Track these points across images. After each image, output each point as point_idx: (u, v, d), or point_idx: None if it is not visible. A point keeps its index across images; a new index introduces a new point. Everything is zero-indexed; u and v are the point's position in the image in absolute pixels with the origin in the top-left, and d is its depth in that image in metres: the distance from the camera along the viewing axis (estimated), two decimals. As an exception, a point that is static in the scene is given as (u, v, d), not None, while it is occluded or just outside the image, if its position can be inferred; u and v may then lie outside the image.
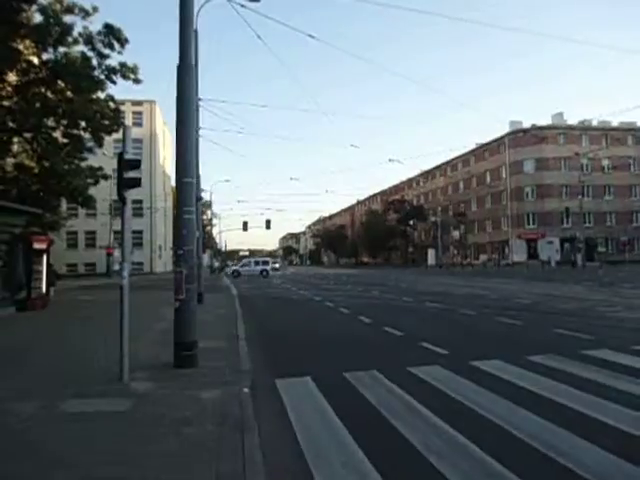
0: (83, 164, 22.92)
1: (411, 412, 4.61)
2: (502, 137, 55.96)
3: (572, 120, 55.86)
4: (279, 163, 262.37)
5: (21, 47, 18.69)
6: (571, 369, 6.01)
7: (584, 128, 55.00)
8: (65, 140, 21.44)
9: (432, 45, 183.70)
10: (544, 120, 55.88)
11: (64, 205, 31.66)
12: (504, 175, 56.05)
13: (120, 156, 5.74)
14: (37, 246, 14.36)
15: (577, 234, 47.89)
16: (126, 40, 19.68)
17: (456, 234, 62.40)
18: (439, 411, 4.53)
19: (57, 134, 21.23)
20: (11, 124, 19.45)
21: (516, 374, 5.85)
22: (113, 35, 19.35)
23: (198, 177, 16.44)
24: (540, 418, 4.28)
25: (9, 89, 19.31)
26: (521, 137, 52.64)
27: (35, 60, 19.50)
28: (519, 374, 5.85)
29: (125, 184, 5.73)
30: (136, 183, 5.80)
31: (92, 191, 23.83)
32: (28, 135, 20.68)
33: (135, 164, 5.75)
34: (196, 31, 16.44)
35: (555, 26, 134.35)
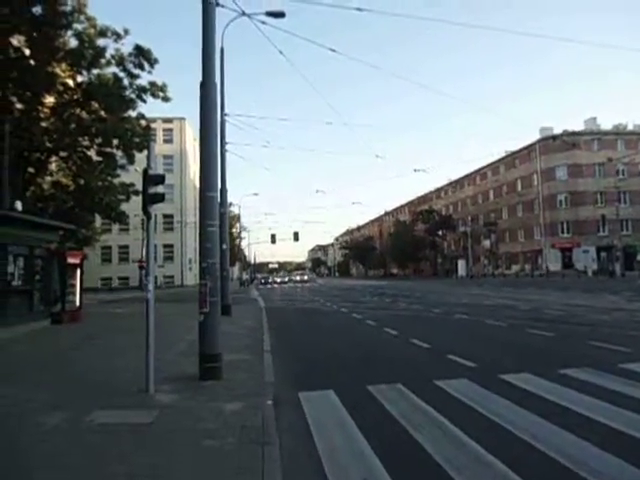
0: (115, 181, 23.68)
1: (435, 427, 4.49)
2: (533, 144, 54.76)
3: (606, 125, 54.36)
4: (305, 176, 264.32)
5: (58, 70, 19.55)
6: (606, 383, 5.75)
7: (619, 133, 53.30)
8: (99, 158, 22.23)
9: (458, 53, 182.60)
10: (576, 126, 54.59)
11: (98, 221, 32.67)
12: (536, 183, 54.68)
13: (145, 172, 5.89)
14: (71, 261, 14.84)
15: (614, 242, 46.20)
16: (155, 60, 20.37)
17: (487, 244, 61.13)
18: (464, 426, 4.40)
19: (91, 152, 22.03)
20: (48, 144, 20.29)
21: (546, 388, 5.64)
22: (143, 56, 20.04)
23: (225, 191, 16.69)
24: (571, 434, 4.10)
25: (46, 110, 20.19)
26: (552, 143, 51.25)
27: (70, 82, 20.36)
28: (549, 388, 5.63)
29: (150, 199, 5.86)
30: (160, 198, 5.92)
31: (124, 207, 24.57)
32: (64, 154, 21.53)
33: (159, 180, 5.88)
34: (222, 49, 16.85)
35: (584, 31, 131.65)
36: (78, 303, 15.33)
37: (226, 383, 6.22)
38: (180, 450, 3.91)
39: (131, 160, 22.43)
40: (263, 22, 11.60)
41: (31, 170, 20.82)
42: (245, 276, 65.33)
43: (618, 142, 52.82)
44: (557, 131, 52.76)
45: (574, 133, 51.99)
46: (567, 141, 47.72)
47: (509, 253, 59.79)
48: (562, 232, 52.08)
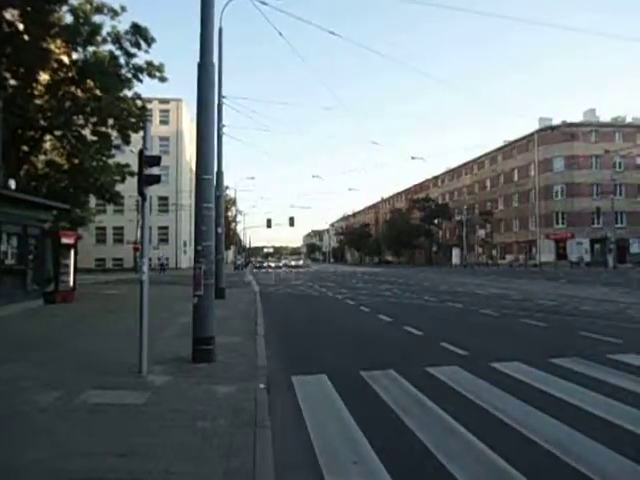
0: (110, 161, 23.40)
1: (426, 413, 4.54)
2: (531, 134, 54.65)
3: (604, 117, 54.26)
4: (302, 161, 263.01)
5: (52, 47, 19.15)
6: (595, 373, 5.83)
7: (617, 125, 53.26)
8: (94, 138, 21.91)
9: (457, 42, 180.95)
10: (576, 117, 54.43)
11: (93, 201, 32.37)
12: (532, 173, 54.70)
13: (140, 153, 5.82)
14: (65, 241, 14.76)
15: (608, 234, 46.47)
16: (153, 39, 19.96)
17: (482, 233, 61.36)
18: (454, 412, 4.45)
19: (86, 132, 21.71)
20: (42, 122, 19.96)
21: (537, 377, 5.70)
22: (140, 34, 19.64)
23: (221, 174, 16.57)
24: (559, 422, 4.16)
25: (41, 88, 19.82)
26: (551, 134, 51.24)
27: (65, 59, 19.96)
28: (540, 377, 5.70)
29: (145, 181, 5.81)
30: (156, 180, 5.87)
31: (119, 187, 24.31)
32: (58, 133, 21.20)
33: (154, 161, 5.82)
34: (220, 30, 16.57)
35: (584, 21, 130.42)
36: (72, 283, 15.30)
37: (219, 366, 6.24)
38: (172, 431, 3.93)
39: (126, 140, 22.10)
40: (263, 3, 11.40)
41: (25, 148, 20.49)
42: (240, 260, 65.25)
43: (616, 134, 52.75)
44: (556, 122, 52.72)
45: (573, 124, 51.90)
46: (565, 132, 47.67)
47: (503, 243, 60.08)
48: (557, 223, 52.33)
